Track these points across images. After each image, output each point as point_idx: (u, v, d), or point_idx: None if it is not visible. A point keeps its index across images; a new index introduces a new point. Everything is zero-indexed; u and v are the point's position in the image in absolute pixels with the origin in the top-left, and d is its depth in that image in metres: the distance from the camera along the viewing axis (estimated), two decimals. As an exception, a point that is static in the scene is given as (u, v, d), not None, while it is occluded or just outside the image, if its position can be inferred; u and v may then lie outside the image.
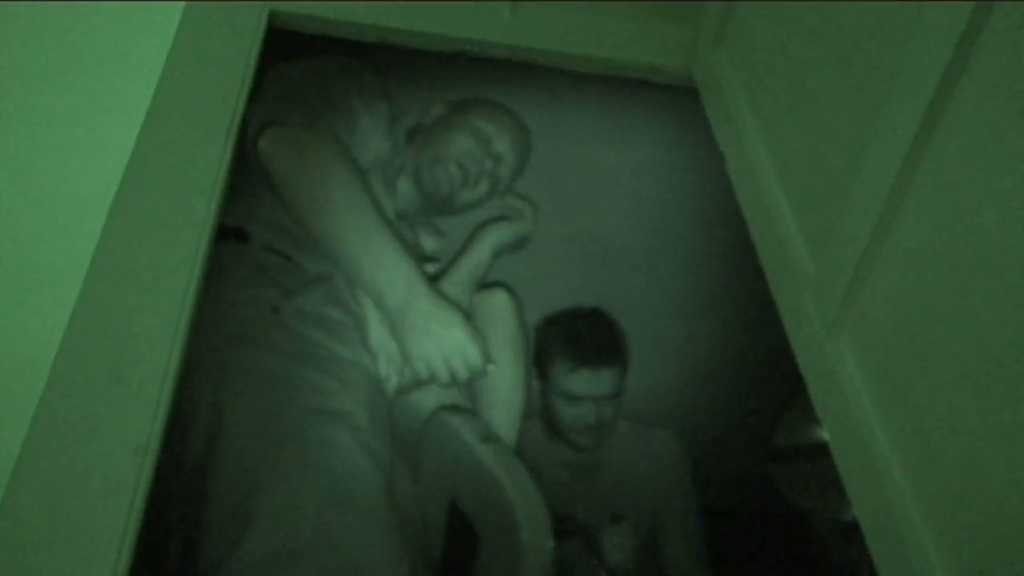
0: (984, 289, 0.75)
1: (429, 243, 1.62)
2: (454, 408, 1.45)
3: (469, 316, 1.44)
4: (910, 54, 0.86)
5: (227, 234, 1.29)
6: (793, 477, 1.63)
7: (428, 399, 1.49)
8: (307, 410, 1.16)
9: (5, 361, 0.96)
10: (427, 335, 1.29)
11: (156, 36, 1.33)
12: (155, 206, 1.08)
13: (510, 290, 1.62)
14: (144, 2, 1.37)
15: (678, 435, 1.88)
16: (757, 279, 1.19)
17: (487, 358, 1.35)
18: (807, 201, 1.09)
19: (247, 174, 1.33)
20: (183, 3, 1.33)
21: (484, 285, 1.64)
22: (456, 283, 1.55)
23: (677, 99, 1.56)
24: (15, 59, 1.41)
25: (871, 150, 0.93)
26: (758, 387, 1.78)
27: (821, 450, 1.55)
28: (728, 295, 1.92)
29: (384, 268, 1.30)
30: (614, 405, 1.80)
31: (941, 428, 0.80)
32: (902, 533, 0.84)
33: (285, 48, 1.46)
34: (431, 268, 1.53)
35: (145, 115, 1.17)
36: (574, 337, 1.79)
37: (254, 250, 1.31)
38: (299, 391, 1.17)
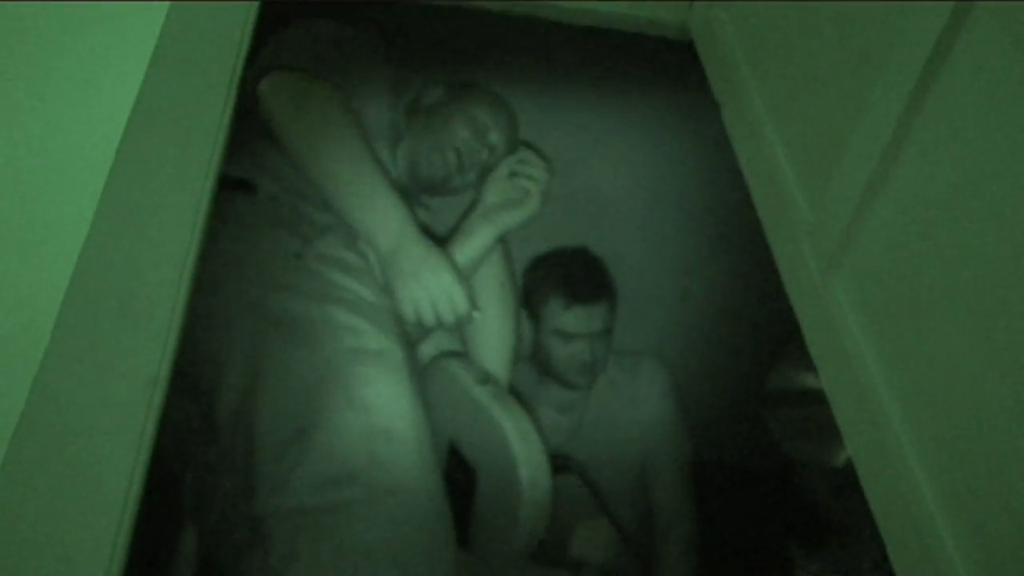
0: (980, 232, 0.77)
1: (419, 215, 1.64)
2: (452, 354, 1.48)
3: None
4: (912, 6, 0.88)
5: (234, 185, 1.31)
6: (785, 423, 1.66)
7: (427, 348, 1.52)
8: (345, 351, 1.20)
9: (16, 300, 0.97)
10: (416, 279, 1.32)
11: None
12: (159, 152, 1.09)
13: (506, 247, 1.65)
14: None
15: (664, 362, 1.90)
16: (752, 234, 1.21)
17: (473, 304, 1.38)
18: (804, 150, 1.11)
19: (252, 127, 1.35)
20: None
21: None
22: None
23: (673, 54, 1.58)
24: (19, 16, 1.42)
25: (872, 98, 0.94)
26: (753, 340, 1.81)
27: (813, 396, 1.58)
28: (724, 250, 1.93)
29: (377, 211, 1.34)
30: (606, 341, 1.83)
31: (936, 366, 0.82)
32: (898, 472, 0.86)
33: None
34: None
35: (148, 63, 1.18)
36: (565, 276, 1.80)
37: (263, 201, 1.33)
38: (335, 333, 1.21)
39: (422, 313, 1.33)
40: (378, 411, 1.16)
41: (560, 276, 1.81)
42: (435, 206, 1.69)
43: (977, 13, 0.80)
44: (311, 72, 1.37)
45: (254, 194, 1.34)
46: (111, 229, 0.98)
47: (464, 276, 1.40)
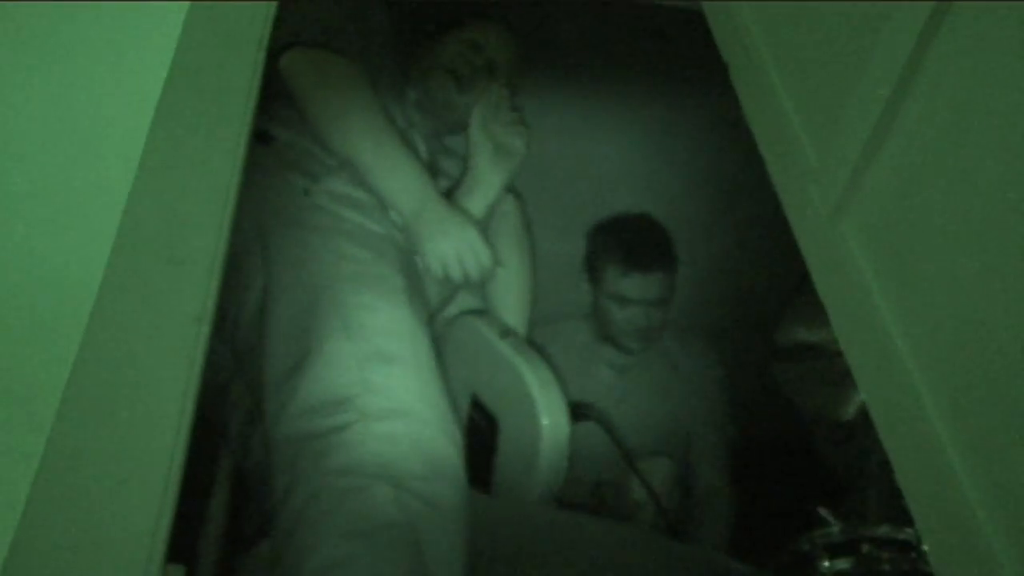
0: (987, 172, 0.80)
1: (448, 166, 1.68)
2: (473, 310, 1.53)
3: None
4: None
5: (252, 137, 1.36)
6: (795, 376, 1.70)
7: (449, 309, 1.57)
8: (345, 277, 1.25)
9: (68, 250, 1.03)
10: (443, 235, 1.37)
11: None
12: (196, 113, 1.14)
13: (515, 194, 1.70)
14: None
15: (715, 347, 1.97)
16: (759, 197, 1.26)
17: (496, 258, 1.44)
18: (811, 99, 1.15)
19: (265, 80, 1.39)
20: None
21: None
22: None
23: (678, 21, 1.62)
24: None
25: (876, 46, 0.98)
26: (760, 302, 1.85)
27: (822, 349, 1.63)
28: (730, 215, 1.98)
29: (398, 177, 1.39)
30: (663, 309, 1.88)
31: (947, 304, 0.85)
32: (913, 413, 0.88)
33: None
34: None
35: (181, 28, 1.23)
36: (625, 242, 1.87)
37: (278, 146, 1.39)
38: (337, 261, 1.26)
39: (449, 267, 1.39)
40: (374, 335, 1.20)
41: (620, 242, 1.88)
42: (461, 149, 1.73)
43: None
44: (331, 46, 1.41)
45: (268, 144, 1.40)
46: (153, 185, 1.04)
47: (482, 227, 1.45)
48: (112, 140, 1.23)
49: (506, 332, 1.47)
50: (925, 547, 0.91)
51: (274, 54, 1.40)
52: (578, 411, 1.51)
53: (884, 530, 1.30)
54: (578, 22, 1.80)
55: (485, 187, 1.54)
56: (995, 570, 0.74)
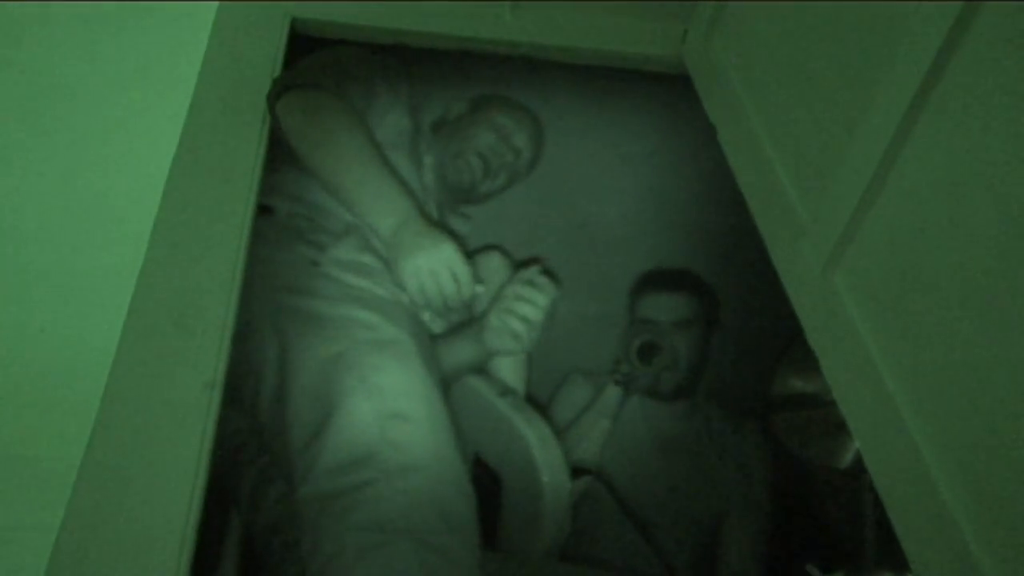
0: (977, 227, 0.83)
1: (457, 224, 1.71)
2: (474, 373, 1.55)
3: None
4: (914, 16, 0.95)
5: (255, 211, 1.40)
6: (790, 426, 1.71)
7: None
8: (359, 342, 1.25)
9: (84, 319, 1.06)
10: (419, 249, 1.33)
11: (191, 40, 1.45)
12: (204, 187, 1.19)
13: (504, 252, 1.74)
14: (181, 1, 1.49)
15: (764, 432, 1.90)
16: (753, 255, 1.29)
17: (477, 278, 1.38)
18: (800, 159, 1.19)
19: (269, 152, 1.43)
20: (216, 2, 1.45)
21: (477, 250, 1.77)
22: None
23: (668, 88, 1.68)
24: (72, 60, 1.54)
25: (872, 104, 1.02)
26: (761, 358, 1.87)
27: (816, 399, 1.64)
28: (727, 274, 2.01)
29: (382, 200, 1.37)
30: (691, 334, 1.84)
31: (938, 351, 0.88)
32: (909, 462, 0.90)
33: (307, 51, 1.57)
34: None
35: (188, 108, 1.28)
36: (652, 270, 1.91)
37: (281, 219, 1.41)
38: (350, 328, 1.27)
39: (424, 283, 1.34)
40: (390, 395, 1.20)
41: (651, 272, 1.91)
42: (474, 216, 1.77)
43: (979, 18, 0.86)
44: (324, 88, 1.43)
45: (272, 215, 1.42)
46: (165, 256, 1.07)
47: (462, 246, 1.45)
48: (123, 216, 1.28)
49: (505, 391, 1.49)
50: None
51: (271, 101, 1.40)
52: (578, 468, 1.52)
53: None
54: (572, 88, 1.86)
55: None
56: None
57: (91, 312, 1.10)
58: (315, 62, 1.51)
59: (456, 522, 1.16)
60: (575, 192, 2.00)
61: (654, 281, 1.87)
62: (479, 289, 1.42)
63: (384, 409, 1.19)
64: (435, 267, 1.33)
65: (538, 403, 1.65)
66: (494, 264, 1.70)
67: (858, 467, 1.42)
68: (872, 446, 0.98)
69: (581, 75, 1.74)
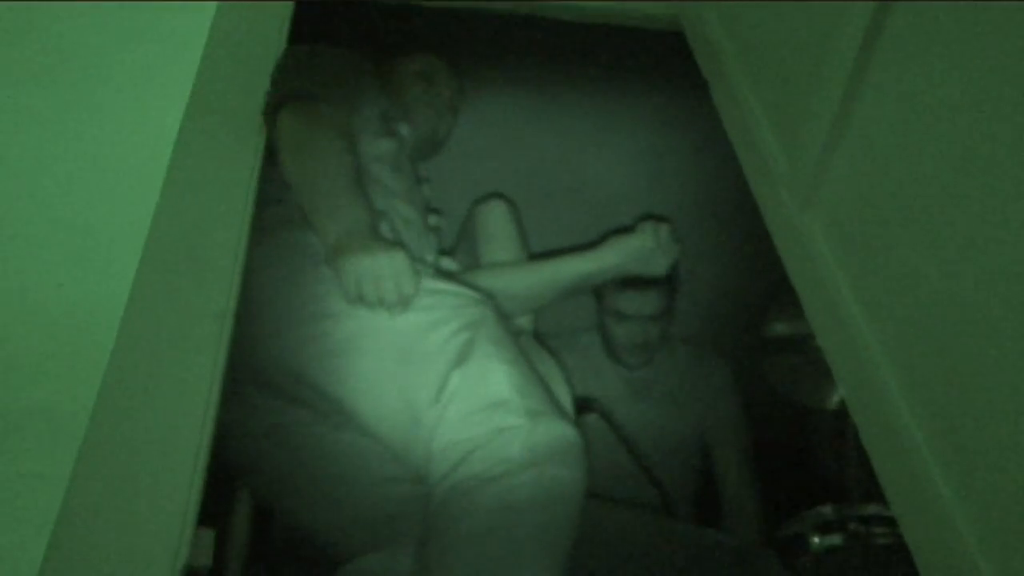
0: (933, 164, 0.89)
1: (424, 190, 1.78)
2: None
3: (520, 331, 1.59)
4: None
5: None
6: (782, 368, 1.78)
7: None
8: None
9: (100, 273, 1.14)
10: (366, 251, 1.26)
11: (191, 36, 1.51)
12: (212, 145, 1.26)
13: (506, 199, 1.83)
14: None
15: (732, 366, 2.03)
16: (745, 204, 1.34)
17: (418, 288, 1.31)
18: (779, 111, 1.26)
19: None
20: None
21: (480, 198, 1.86)
22: (530, 275, 1.71)
23: (664, 46, 1.73)
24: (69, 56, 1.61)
25: (825, 62, 1.09)
26: (756, 308, 1.93)
27: (806, 343, 1.71)
28: (722, 224, 2.06)
29: (337, 211, 1.32)
30: (661, 324, 1.95)
31: (903, 285, 0.94)
32: (877, 395, 0.97)
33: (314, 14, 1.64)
34: (434, 219, 1.67)
35: (187, 102, 1.34)
36: None
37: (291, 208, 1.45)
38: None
39: (364, 283, 1.25)
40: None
41: None
42: (476, 174, 1.91)
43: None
44: (321, 98, 1.45)
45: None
46: (177, 204, 1.15)
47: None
48: (135, 173, 1.35)
49: (519, 331, 1.55)
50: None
51: (270, 111, 1.43)
52: (583, 405, 1.59)
53: (871, 509, 1.38)
54: (571, 43, 1.91)
55: (595, 255, 1.67)
56: (957, 538, 0.81)
57: (107, 264, 1.17)
58: (300, 67, 1.52)
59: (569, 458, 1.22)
60: (576, 152, 2.05)
61: (628, 277, 1.93)
62: (502, 268, 1.51)
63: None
64: (381, 272, 1.25)
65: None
66: (498, 212, 1.77)
67: (844, 407, 1.48)
68: (847, 382, 1.04)
69: (586, 34, 1.79)
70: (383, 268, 1.24)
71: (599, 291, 1.96)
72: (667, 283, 1.92)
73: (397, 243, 1.34)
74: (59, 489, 0.89)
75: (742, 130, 1.36)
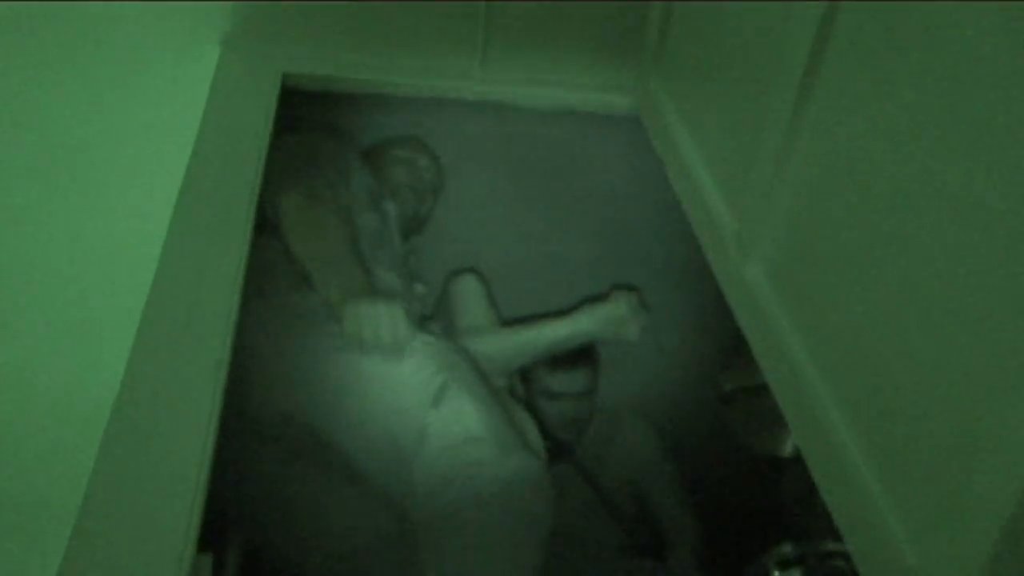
0: (862, 207, 1.01)
1: (414, 264, 1.91)
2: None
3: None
4: (785, 39, 1.16)
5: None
6: (740, 416, 1.89)
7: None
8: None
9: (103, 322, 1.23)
10: (367, 300, 1.40)
11: (191, 97, 1.65)
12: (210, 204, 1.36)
13: (476, 272, 1.99)
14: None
15: (644, 416, 2.14)
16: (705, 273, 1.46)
17: (413, 335, 1.44)
18: (725, 174, 1.39)
19: None
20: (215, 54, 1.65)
21: (455, 271, 2.01)
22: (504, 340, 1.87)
23: (627, 132, 1.87)
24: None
25: (764, 123, 1.22)
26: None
27: (760, 391, 1.81)
28: (689, 302, 2.17)
29: (340, 276, 1.47)
30: (589, 400, 2.06)
31: (842, 322, 1.04)
32: (820, 418, 1.06)
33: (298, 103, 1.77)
34: (420, 288, 1.80)
35: (192, 152, 1.47)
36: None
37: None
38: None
39: (363, 325, 1.38)
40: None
41: None
42: (456, 248, 2.04)
43: (837, 36, 1.05)
44: (318, 179, 1.61)
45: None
46: (177, 260, 1.25)
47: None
48: (138, 227, 1.45)
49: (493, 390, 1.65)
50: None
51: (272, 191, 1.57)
52: (555, 454, 1.68)
53: (830, 546, 1.46)
54: (539, 129, 2.06)
55: (570, 320, 1.81)
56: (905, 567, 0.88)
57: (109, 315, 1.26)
58: (298, 158, 1.67)
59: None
60: (546, 229, 2.18)
61: (556, 357, 2.04)
62: (479, 333, 1.60)
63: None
64: (379, 317, 1.39)
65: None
66: (470, 285, 1.89)
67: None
68: (797, 426, 1.13)
69: (547, 120, 1.94)
70: (382, 315, 1.38)
71: (526, 374, 2.08)
72: (593, 361, 2.06)
73: (395, 297, 1.48)
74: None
75: (693, 196, 1.49)
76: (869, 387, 0.98)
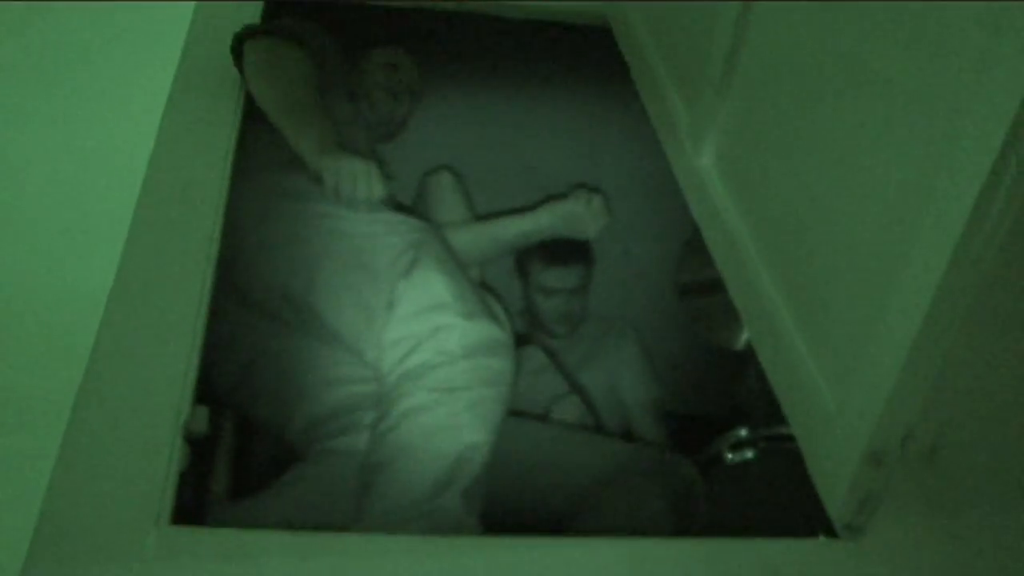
0: (799, 101, 1.10)
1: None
2: None
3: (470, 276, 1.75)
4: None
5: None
6: (696, 310, 2.01)
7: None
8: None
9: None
10: (347, 156, 1.48)
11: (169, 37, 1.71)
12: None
13: (452, 170, 2.08)
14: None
15: (631, 325, 2.28)
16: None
17: (385, 189, 1.52)
18: (682, 77, 1.49)
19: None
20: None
21: (430, 169, 2.10)
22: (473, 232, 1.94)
23: (596, 43, 1.95)
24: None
25: (714, 29, 1.32)
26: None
27: (716, 285, 1.92)
28: (654, 210, 2.28)
29: (311, 129, 1.52)
30: (582, 297, 2.18)
31: (774, 197, 1.15)
32: (753, 277, 1.18)
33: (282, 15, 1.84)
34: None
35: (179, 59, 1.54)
36: (547, 242, 2.12)
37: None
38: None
39: (342, 179, 1.46)
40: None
41: (543, 242, 2.13)
42: (436, 157, 2.10)
43: None
44: (286, 34, 1.64)
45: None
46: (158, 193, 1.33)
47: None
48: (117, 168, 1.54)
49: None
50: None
51: (238, 43, 1.60)
52: (523, 338, 1.79)
53: (777, 429, 1.58)
54: (515, 39, 2.14)
55: (532, 215, 1.89)
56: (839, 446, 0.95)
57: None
58: (276, 23, 1.72)
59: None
60: (519, 136, 2.27)
61: (551, 254, 2.15)
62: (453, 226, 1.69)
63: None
64: (357, 172, 1.47)
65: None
66: (445, 180, 1.99)
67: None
68: (745, 311, 1.22)
69: (525, 31, 2.02)
70: (359, 170, 1.47)
71: (524, 270, 2.19)
72: (586, 259, 2.16)
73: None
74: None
75: (655, 98, 1.58)
76: (797, 257, 1.09)
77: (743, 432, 1.63)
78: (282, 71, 1.58)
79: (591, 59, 2.08)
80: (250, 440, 1.63)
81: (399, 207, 1.65)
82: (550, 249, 2.14)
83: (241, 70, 1.59)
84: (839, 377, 0.97)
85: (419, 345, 1.39)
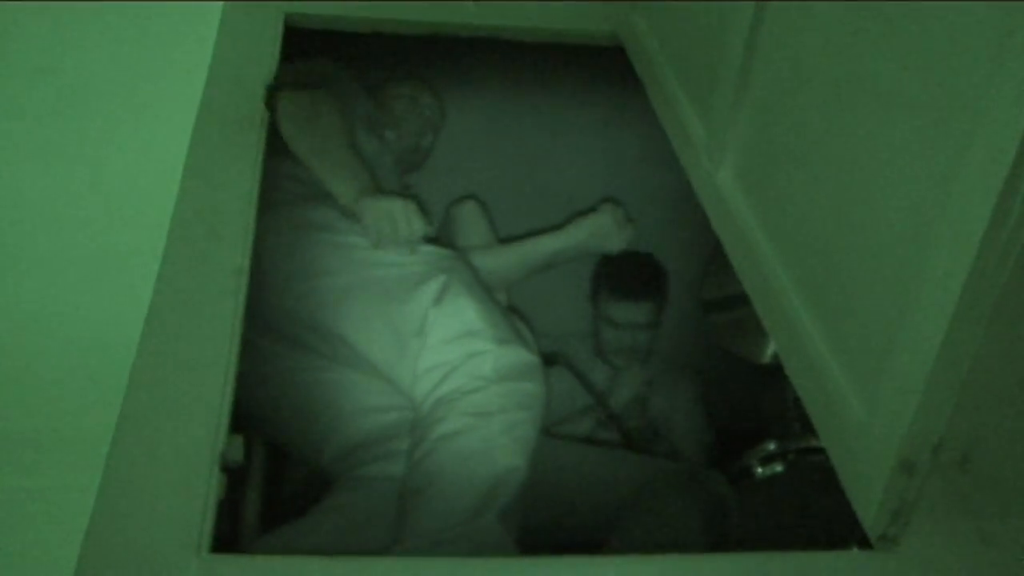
0: (813, 111, 1.11)
1: None
2: None
3: (500, 301, 1.78)
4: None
5: None
6: (721, 325, 2.01)
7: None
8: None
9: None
10: (385, 197, 1.54)
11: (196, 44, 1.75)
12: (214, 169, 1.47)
13: (477, 199, 2.09)
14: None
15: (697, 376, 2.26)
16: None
17: (426, 227, 1.55)
18: (697, 92, 1.50)
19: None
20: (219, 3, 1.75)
21: (455, 200, 2.11)
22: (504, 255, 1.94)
23: (610, 63, 1.97)
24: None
25: (727, 45, 1.33)
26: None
27: (740, 299, 1.92)
28: (677, 224, 2.28)
29: (345, 171, 1.57)
30: (649, 334, 2.16)
31: (793, 208, 1.16)
32: (777, 291, 1.18)
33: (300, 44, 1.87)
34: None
35: (199, 106, 1.57)
36: (621, 274, 2.15)
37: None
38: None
39: (381, 220, 1.50)
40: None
41: (617, 273, 2.17)
42: (450, 182, 2.13)
43: None
44: (316, 86, 1.67)
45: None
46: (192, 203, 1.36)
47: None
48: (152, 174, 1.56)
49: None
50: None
51: (271, 99, 1.63)
52: (549, 359, 1.80)
53: (806, 441, 1.58)
54: (529, 63, 2.16)
55: (563, 233, 1.90)
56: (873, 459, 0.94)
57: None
58: (300, 67, 1.76)
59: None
60: (536, 160, 2.29)
61: (622, 288, 2.14)
62: (479, 253, 1.71)
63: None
64: (395, 212, 1.52)
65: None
66: (470, 208, 2.01)
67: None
68: (769, 324, 1.22)
69: (535, 54, 2.04)
70: (399, 211, 1.51)
71: (596, 299, 2.19)
72: (659, 295, 2.15)
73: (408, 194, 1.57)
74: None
75: (670, 113, 1.59)
76: (820, 268, 1.09)
77: (772, 445, 1.63)
78: (316, 122, 1.61)
79: (605, 79, 2.09)
80: (279, 468, 1.65)
81: (426, 237, 1.66)
82: (622, 281, 2.14)
83: (274, 118, 1.62)
84: (867, 386, 0.97)
85: (453, 371, 1.41)
